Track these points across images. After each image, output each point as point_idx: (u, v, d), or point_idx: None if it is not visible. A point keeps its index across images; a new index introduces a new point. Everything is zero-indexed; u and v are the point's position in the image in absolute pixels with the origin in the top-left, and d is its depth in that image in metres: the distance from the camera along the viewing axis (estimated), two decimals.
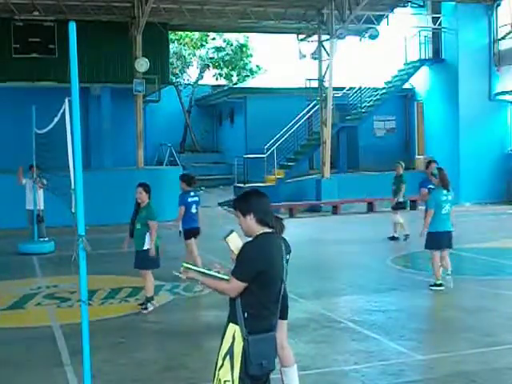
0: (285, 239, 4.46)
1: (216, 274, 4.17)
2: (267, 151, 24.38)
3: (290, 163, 24.51)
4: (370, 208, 21.94)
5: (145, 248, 9.23)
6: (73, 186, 5.38)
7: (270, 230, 4.18)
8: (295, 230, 18.37)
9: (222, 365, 4.06)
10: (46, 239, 14.69)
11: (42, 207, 14.51)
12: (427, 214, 9.85)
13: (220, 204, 23.49)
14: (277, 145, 24.50)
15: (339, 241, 15.68)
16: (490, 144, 23.28)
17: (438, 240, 9.88)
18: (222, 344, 4.10)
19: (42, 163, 14.49)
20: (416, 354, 7.03)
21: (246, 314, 4.02)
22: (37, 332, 8.06)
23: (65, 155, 6.81)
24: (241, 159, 25.04)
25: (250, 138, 27.82)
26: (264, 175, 24.05)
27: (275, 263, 4.10)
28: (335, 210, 21.52)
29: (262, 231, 4.16)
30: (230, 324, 4.09)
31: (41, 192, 14.48)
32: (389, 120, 27.65)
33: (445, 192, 9.84)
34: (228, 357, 4.04)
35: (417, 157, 26.35)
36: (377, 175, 23.78)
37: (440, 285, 9.90)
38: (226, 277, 4.11)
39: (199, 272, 4.20)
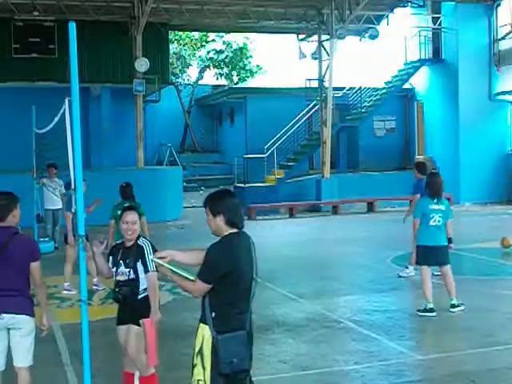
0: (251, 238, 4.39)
1: (184, 274, 4.20)
2: (267, 151, 24.36)
3: (289, 163, 24.50)
4: (370, 208, 21.94)
5: None
6: (73, 186, 5.38)
7: (237, 231, 4.20)
8: (295, 229, 18.38)
9: (196, 364, 4.13)
10: (46, 239, 14.71)
11: (58, 207, 14.16)
12: (414, 223, 9.01)
13: None
14: (277, 145, 24.48)
15: (339, 241, 15.68)
16: (490, 144, 23.26)
17: (424, 255, 8.85)
18: (194, 343, 4.17)
19: (42, 163, 14.51)
20: (416, 354, 7.03)
21: (213, 314, 4.07)
22: (36, 332, 8.08)
23: (65, 155, 6.81)
24: (241, 159, 25.03)
25: (249, 138, 27.81)
26: (264, 175, 24.03)
27: (242, 263, 4.12)
28: (335, 210, 21.51)
29: (229, 232, 4.18)
30: (200, 324, 4.15)
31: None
32: (389, 120, 27.64)
33: (434, 201, 8.76)
34: (199, 356, 4.11)
35: (417, 157, 26.31)
36: (377, 175, 23.79)
37: (431, 310, 8.61)
38: (191, 277, 4.15)
39: (169, 269, 4.26)
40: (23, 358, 5.19)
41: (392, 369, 6.65)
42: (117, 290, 5.41)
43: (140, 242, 5.49)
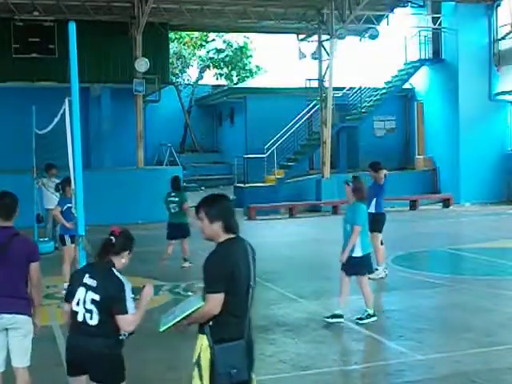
0: (249, 243, 4.25)
1: (191, 310, 4.03)
2: (267, 151, 24.36)
3: (290, 163, 24.51)
4: None
5: None
6: (73, 186, 5.39)
7: (233, 236, 4.10)
8: (295, 229, 18.38)
9: (194, 375, 4.01)
10: (46, 239, 14.72)
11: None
12: (355, 231, 8.28)
13: None
14: (277, 145, 24.48)
15: (339, 241, 15.57)
16: (490, 144, 23.26)
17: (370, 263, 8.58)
18: (193, 353, 4.04)
19: (42, 163, 14.52)
20: (416, 354, 7.03)
21: (210, 322, 3.94)
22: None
23: (65, 155, 6.82)
24: (241, 159, 25.02)
25: (249, 138, 27.79)
26: (264, 175, 24.04)
27: (240, 269, 3.99)
28: (335, 210, 21.50)
29: (225, 238, 4.08)
30: (199, 334, 4.03)
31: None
32: (389, 120, 27.63)
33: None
34: (196, 367, 3.98)
35: (417, 157, 26.34)
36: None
37: (374, 315, 8.37)
38: (200, 304, 4.00)
39: (180, 320, 4.06)
40: (21, 359, 5.20)
41: (392, 369, 6.66)
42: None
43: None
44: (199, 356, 3.97)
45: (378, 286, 10.58)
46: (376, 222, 11.00)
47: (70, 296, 4.49)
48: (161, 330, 4.09)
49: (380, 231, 11.08)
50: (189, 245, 12.23)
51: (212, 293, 3.91)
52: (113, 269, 4.43)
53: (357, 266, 8.39)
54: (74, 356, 4.39)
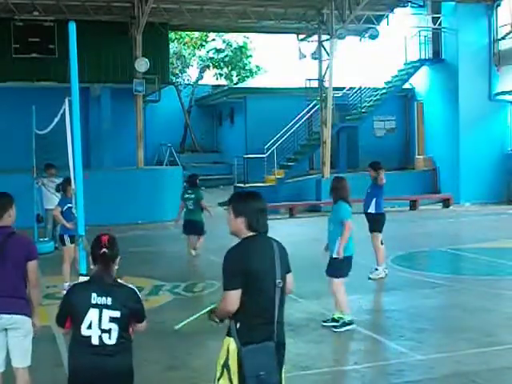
0: (277, 241, 4.23)
1: (205, 311, 4.10)
2: (267, 151, 24.37)
3: (290, 163, 24.51)
4: None
5: None
6: (73, 186, 5.39)
7: (255, 234, 4.07)
8: (295, 229, 18.37)
9: (222, 375, 3.93)
10: (46, 239, 14.72)
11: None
12: (346, 226, 8.46)
13: (220, 204, 23.48)
14: (277, 145, 24.49)
15: None
16: (489, 144, 23.25)
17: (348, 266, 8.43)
18: (219, 355, 3.98)
19: (42, 163, 14.52)
20: (416, 354, 7.03)
21: (237, 325, 3.89)
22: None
23: (65, 155, 6.82)
24: (241, 159, 25.03)
25: (249, 138, 27.80)
26: (264, 175, 24.05)
27: (259, 268, 3.92)
28: None
29: (248, 235, 4.05)
30: (226, 337, 3.96)
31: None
32: (389, 120, 27.63)
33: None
34: (225, 369, 3.91)
35: (417, 157, 26.34)
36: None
37: (351, 323, 8.07)
38: (212, 305, 4.05)
39: (200, 315, 4.13)
40: (21, 359, 5.19)
41: (392, 369, 6.66)
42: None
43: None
44: (227, 358, 3.88)
45: (378, 285, 10.59)
46: (376, 222, 11.02)
47: (62, 320, 4.13)
48: (176, 327, 4.23)
49: (380, 231, 11.09)
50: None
51: (228, 289, 3.89)
52: (118, 280, 4.16)
53: (333, 267, 8.36)
54: (90, 379, 3.99)
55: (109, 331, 3.99)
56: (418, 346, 7.37)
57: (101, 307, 3.99)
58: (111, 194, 18.85)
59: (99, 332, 3.98)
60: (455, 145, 23.47)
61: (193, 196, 12.65)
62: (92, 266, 4.16)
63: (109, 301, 4.00)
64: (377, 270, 10.96)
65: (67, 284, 10.45)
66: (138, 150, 20.68)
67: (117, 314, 4.00)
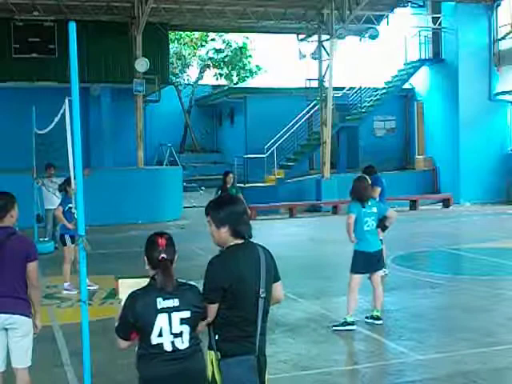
0: (264, 248, 3.98)
1: None
2: (267, 151, 24.38)
3: (289, 163, 24.51)
4: None
5: None
6: (73, 186, 5.39)
7: (242, 241, 3.82)
8: (295, 229, 18.37)
9: None
10: (46, 239, 14.72)
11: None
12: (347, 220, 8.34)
13: None
14: (277, 145, 24.49)
15: (339, 241, 15.60)
16: (490, 144, 23.26)
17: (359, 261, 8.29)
18: (207, 371, 3.80)
19: (42, 163, 14.52)
20: (416, 354, 7.03)
21: (216, 337, 3.73)
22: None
23: (65, 155, 6.82)
24: (241, 159, 25.04)
25: (249, 138, 27.80)
26: (264, 175, 24.05)
27: (243, 278, 3.71)
28: (335, 210, 21.50)
29: (233, 243, 3.81)
30: (208, 351, 3.79)
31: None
32: (389, 120, 27.64)
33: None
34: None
35: (417, 157, 26.34)
36: (377, 175, 23.74)
37: (352, 323, 8.03)
38: None
39: None
40: (21, 359, 5.18)
41: (392, 369, 6.66)
42: None
43: None
44: (213, 373, 3.75)
45: None
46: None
47: (126, 332, 3.79)
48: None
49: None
50: (190, 244, 12.23)
51: (206, 301, 3.73)
52: (176, 279, 3.83)
53: (352, 261, 8.34)
54: None
55: (180, 334, 3.73)
56: (418, 345, 7.37)
57: (169, 310, 3.71)
58: (111, 194, 18.85)
59: (171, 338, 3.72)
60: (455, 145, 23.48)
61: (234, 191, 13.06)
62: (148, 267, 3.83)
63: (176, 302, 3.73)
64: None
65: (67, 284, 10.46)
66: (138, 149, 20.69)
67: (186, 313, 3.73)
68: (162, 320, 3.68)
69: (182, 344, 3.73)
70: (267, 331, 3.92)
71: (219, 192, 12.97)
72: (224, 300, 3.70)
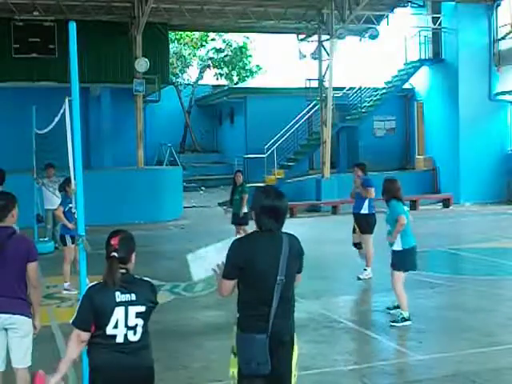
0: (291, 237, 4.32)
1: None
2: (267, 151, 24.38)
3: (290, 163, 24.52)
4: None
5: None
6: (73, 186, 5.38)
7: (263, 230, 4.14)
8: (295, 229, 18.35)
9: (232, 361, 4.13)
10: (46, 239, 14.72)
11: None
12: (398, 221, 8.43)
13: (220, 204, 23.49)
14: (277, 145, 24.50)
15: (339, 241, 15.64)
16: (489, 144, 23.26)
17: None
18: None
19: (42, 163, 14.52)
20: (416, 354, 7.03)
21: (238, 314, 4.06)
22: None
23: (65, 155, 6.81)
24: (241, 159, 25.06)
25: (249, 138, 27.81)
26: (264, 175, 24.05)
27: (259, 261, 3.98)
28: (335, 210, 21.51)
29: (255, 229, 4.17)
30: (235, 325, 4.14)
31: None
32: (389, 120, 27.63)
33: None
34: (233, 355, 4.11)
35: (417, 157, 26.34)
36: (377, 175, 23.74)
37: (409, 318, 8.20)
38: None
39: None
40: (21, 359, 5.19)
41: (392, 369, 6.66)
42: None
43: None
44: (234, 346, 4.09)
45: (378, 286, 10.58)
46: (368, 224, 11.04)
47: (87, 324, 3.99)
48: (195, 279, 4.52)
49: (372, 233, 11.13)
50: (190, 244, 12.19)
51: (223, 276, 4.06)
52: (133, 275, 4.10)
53: (393, 260, 8.45)
54: (114, 376, 3.94)
55: (134, 327, 3.98)
56: (417, 345, 7.37)
57: (125, 304, 3.96)
58: (111, 194, 18.85)
59: (125, 330, 3.96)
60: (455, 145, 23.48)
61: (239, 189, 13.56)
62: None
63: (133, 296, 3.99)
64: (365, 270, 11.03)
65: (67, 284, 10.46)
66: (137, 149, 20.69)
67: (142, 308, 4.00)
68: (118, 313, 3.93)
69: (134, 336, 3.97)
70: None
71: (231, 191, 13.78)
72: (241, 279, 4.00)
